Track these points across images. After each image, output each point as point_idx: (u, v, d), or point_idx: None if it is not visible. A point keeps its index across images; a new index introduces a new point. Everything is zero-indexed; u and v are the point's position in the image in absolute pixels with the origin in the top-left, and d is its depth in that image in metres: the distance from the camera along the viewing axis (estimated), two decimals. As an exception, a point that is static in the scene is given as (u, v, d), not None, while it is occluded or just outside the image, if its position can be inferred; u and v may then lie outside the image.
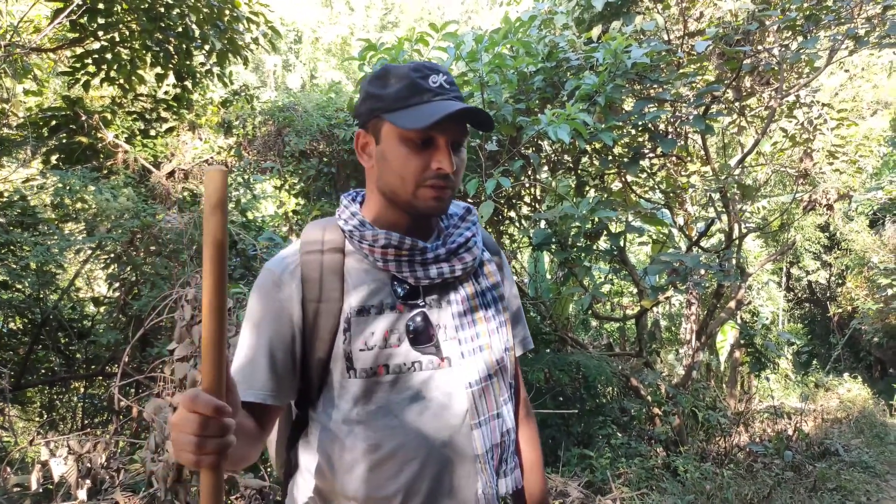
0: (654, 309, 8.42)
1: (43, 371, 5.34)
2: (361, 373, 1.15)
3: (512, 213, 5.77)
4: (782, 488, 5.04)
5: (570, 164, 5.29)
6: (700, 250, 5.98)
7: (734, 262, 5.53)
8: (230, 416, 0.85)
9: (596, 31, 4.88)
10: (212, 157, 5.78)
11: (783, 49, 5.08)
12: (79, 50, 5.50)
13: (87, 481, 2.96)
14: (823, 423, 7.45)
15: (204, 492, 0.85)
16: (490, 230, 5.52)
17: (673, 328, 10.58)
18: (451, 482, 1.16)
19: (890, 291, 11.22)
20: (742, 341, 9.19)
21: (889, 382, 12.21)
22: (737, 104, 5.72)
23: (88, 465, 3.03)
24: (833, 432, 7.04)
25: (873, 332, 13.31)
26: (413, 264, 1.18)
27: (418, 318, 1.17)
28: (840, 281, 15.00)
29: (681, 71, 4.83)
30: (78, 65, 5.31)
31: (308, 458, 1.22)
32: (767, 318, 12.12)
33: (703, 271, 4.71)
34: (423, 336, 1.17)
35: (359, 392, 1.15)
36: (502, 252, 1.41)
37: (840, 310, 13.75)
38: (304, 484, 1.23)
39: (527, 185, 5.19)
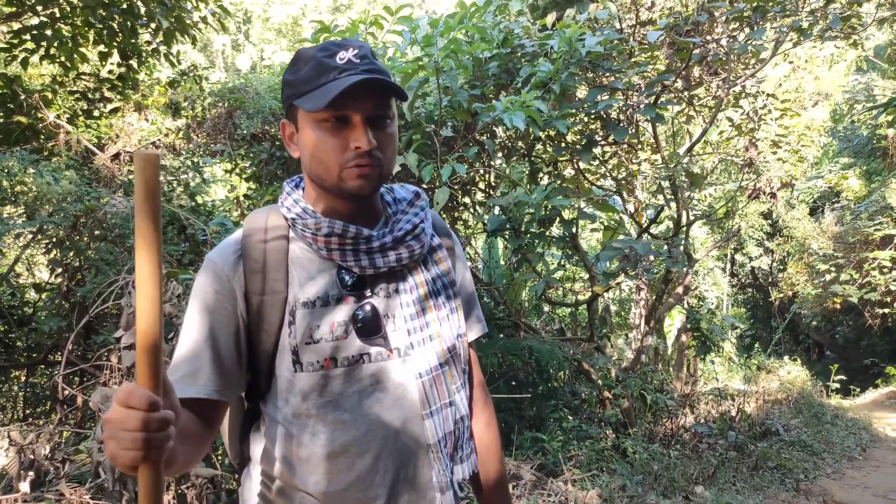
0: (605, 294, 8.58)
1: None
2: (308, 366, 1.11)
3: (466, 199, 5.78)
4: (726, 467, 5.22)
5: (525, 151, 5.32)
6: (650, 237, 6.11)
7: (682, 248, 5.67)
8: (167, 410, 0.82)
9: (550, 19, 4.90)
10: (159, 139, 5.63)
11: (731, 40, 5.20)
12: (16, 25, 5.26)
13: (31, 473, 2.87)
14: (765, 405, 7.74)
15: (143, 491, 0.81)
16: (445, 216, 5.53)
17: (623, 313, 10.81)
18: (405, 473, 1.15)
19: (828, 277, 11.66)
20: (688, 326, 9.45)
21: (826, 364, 12.74)
22: (686, 93, 5.84)
23: (31, 456, 2.95)
24: (774, 413, 7.31)
25: (812, 317, 13.86)
26: (358, 253, 1.14)
27: (366, 309, 1.13)
28: (781, 267, 15.54)
29: (633, 60, 4.90)
30: (15, 41, 5.08)
31: (261, 451, 1.19)
32: (713, 303, 12.47)
33: (652, 257, 4.82)
34: (371, 327, 1.13)
35: (307, 386, 1.12)
36: (454, 234, 1.38)
37: (781, 295, 14.26)
38: (258, 475, 1.20)
39: (481, 171, 5.21)
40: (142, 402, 0.78)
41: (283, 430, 1.15)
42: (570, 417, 5.78)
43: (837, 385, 10.03)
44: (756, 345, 15.67)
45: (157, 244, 0.80)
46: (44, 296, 5.30)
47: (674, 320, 9.70)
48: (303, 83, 1.11)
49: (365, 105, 1.09)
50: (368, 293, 1.16)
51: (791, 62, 9.00)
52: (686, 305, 9.22)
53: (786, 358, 12.55)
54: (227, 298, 1.13)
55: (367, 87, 1.07)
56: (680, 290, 6.76)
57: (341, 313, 1.13)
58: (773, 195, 9.53)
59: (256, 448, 1.20)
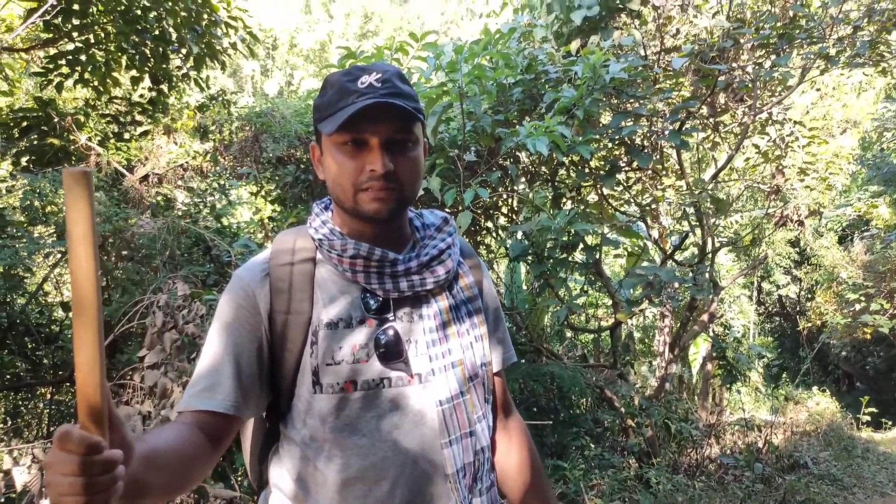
0: (629, 321, 8.48)
1: (8, 377, 5.21)
2: (328, 388, 1.10)
3: (489, 224, 5.78)
4: (752, 500, 5.09)
5: (548, 176, 5.32)
6: (674, 263, 6.05)
7: (707, 275, 5.60)
8: (111, 451, 0.76)
9: (574, 45, 4.92)
10: (187, 162, 5.72)
11: (757, 67, 5.17)
12: (52, 50, 5.42)
13: (52, 491, 2.88)
14: (793, 436, 7.55)
15: None
16: (468, 240, 5.53)
17: (647, 340, 10.67)
18: (422, 502, 1.12)
19: (858, 306, 11.43)
20: (714, 354, 9.29)
21: (856, 396, 12.42)
22: (711, 120, 5.80)
23: (53, 474, 2.96)
24: (802, 445, 7.13)
25: (841, 347, 13.56)
26: (383, 276, 1.14)
27: (388, 333, 1.12)
28: (809, 295, 15.26)
29: (657, 86, 4.90)
30: (51, 65, 5.22)
31: (278, 474, 1.18)
32: (739, 332, 12.26)
33: (677, 284, 4.76)
34: (392, 351, 1.12)
35: (326, 409, 1.11)
36: (482, 262, 1.37)
37: (809, 324, 13.97)
38: (274, 499, 1.19)
39: (504, 196, 5.21)
40: (78, 445, 0.72)
41: (300, 452, 1.14)
42: (592, 445, 5.69)
43: (868, 418, 9.77)
44: (784, 375, 15.35)
45: (93, 274, 0.75)
46: (71, 314, 5.37)
47: (699, 348, 9.55)
48: (326, 107, 1.12)
49: (382, 129, 1.09)
50: (391, 317, 1.15)
51: (818, 89, 8.92)
52: (711, 333, 9.08)
53: (814, 389, 12.26)
54: (251, 315, 1.13)
55: (385, 110, 1.07)
56: (705, 317, 6.66)
57: (363, 336, 1.13)
58: (801, 223, 9.39)
59: (275, 470, 1.20)
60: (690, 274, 4.94)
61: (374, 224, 1.15)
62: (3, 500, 2.88)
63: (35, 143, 5.35)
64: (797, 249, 14.44)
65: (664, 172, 6.24)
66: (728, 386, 10.20)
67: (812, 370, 14.90)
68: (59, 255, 4.95)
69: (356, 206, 1.12)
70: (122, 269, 4.44)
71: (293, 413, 1.16)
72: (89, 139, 5.40)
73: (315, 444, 1.12)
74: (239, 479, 3.45)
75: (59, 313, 5.65)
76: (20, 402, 5.50)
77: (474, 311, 1.25)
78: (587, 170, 5.09)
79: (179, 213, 5.26)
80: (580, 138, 4.14)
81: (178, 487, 1.01)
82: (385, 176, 1.09)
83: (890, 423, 11.24)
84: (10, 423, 5.31)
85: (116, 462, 0.75)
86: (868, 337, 11.55)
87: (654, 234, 6.91)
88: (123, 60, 5.42)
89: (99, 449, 0.73)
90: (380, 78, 1.10)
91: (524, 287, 7.03)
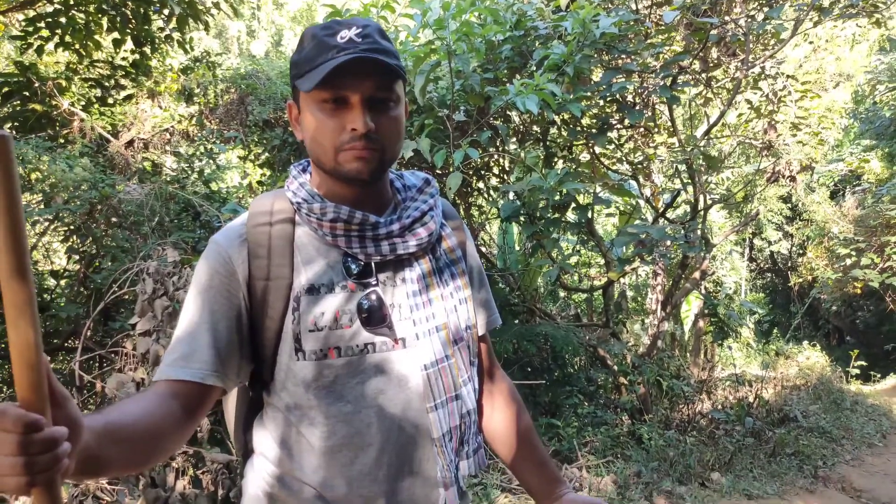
0: (621, 280, 8.51)
1: (1, 346, 5.21)
2: (311, 355, 1.08)
3: (480, 185, 5.74)
4: (743, 454, 5.18)
5: (539, 135, 5.27)
6: (666, 221, 6.04)
7: (699, 232, 5.60)
8: (53, 429, 0.70)
9: (564, 0, 4.83)
10: (172, 126, 5.64)
11: (749, 20, 5.10)
12: (31, 13, 5.28)
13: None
14: (783, 390, 7.65)
15: None
16: (458, 201, 5.50)
17: (639, 298, 10.74)
18: (409, 467, 1.12)
19: (849, 261, 11.48)
20: (706, 311, 9.35)
21: (846, 350, 12.57)
22: (703, 75, 5.74)
23: (48, 441, 2.97)
24: (792, 399, 7.24)
25: (832, 301, 13.66)
26: (364, 240, 1.11)
27: (371, 298, 1.10)
28: (801, 251, 15.34)
29: (648, 41, 4.82)
30: (30, 28, 5.10)
31: (263, 442, 1.17)
32: (730, 288, 12.36)
33: (668, 242, 4.77)
34: (375, 316, 1.10)
35: (309, 376, 1.09)
36: (464, 223, 1.34)
37: (800, 279, 14.07)
38: (260, 467, 1.18)
39: (495, 156, 5.17)
40: (15, 423, 0.67)
41: (283, 419, 1.13)
42: (586, 403, 5.76)
43: (857, 371, 9.91)
44: (775, 330, 15.51)
45: (20, 241, 0.67)
46: (62, 282, 5.35)
47: (691, 305, 9.62)
48: (304, 63, 1.08)
49: (364, 86, 1.05)
50: (374, 281, 1.12)
51: (811, 42, 8.82)
52: (703, 290, 9.13)
53: (805, 343, 12.41)
54: (229, 282, 1.10)
55: (367, 67, 1.03)
56: (697, 275, 6.69)
57: (346, 301, 1.10)
58: (793, 178, 9.37)
59: (259, 438, 1.19)
60: (682, 231, 4.94)
61: (355, 185, 1.12)
62: None
63: (17, 108, 5.26)
64: (789, 205, 14.45)
65: (656, 130, 6.20)
66: (720, 342, 10.31)
67: (803, 325, 15.07)
68: (46, 223, 4.91)
69: (336, 167, 1.08)
70: (110, 236, 4.41)
71: (276, 380, 1.13)
72: (72, 104, 5.31)
73: (299, 412, 1.11)
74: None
75: (50, 282, 5.63)
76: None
77: (458, 273, 1.22)
78: (578, 128, 5.04)
79: (167, 179, 5.21)
80: (571, 96, 4.09)
81: (143, 460, 0.98)
82: (366, 135, 1.05)
83: (878, 375, 11.41)
84: (6, 391, 5.32)
85: (58, 440, 0.71)
86: (858, 291, 11.63)
87: (646, 192, 6.90)
88: (104, 22, 5.29)
89: (38, 427, 0.68)
90: (360, 33, 1.06)
91: (516, 248, 7.03)
